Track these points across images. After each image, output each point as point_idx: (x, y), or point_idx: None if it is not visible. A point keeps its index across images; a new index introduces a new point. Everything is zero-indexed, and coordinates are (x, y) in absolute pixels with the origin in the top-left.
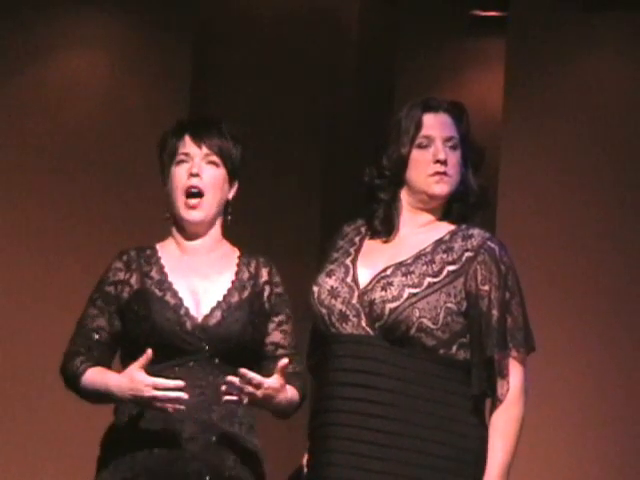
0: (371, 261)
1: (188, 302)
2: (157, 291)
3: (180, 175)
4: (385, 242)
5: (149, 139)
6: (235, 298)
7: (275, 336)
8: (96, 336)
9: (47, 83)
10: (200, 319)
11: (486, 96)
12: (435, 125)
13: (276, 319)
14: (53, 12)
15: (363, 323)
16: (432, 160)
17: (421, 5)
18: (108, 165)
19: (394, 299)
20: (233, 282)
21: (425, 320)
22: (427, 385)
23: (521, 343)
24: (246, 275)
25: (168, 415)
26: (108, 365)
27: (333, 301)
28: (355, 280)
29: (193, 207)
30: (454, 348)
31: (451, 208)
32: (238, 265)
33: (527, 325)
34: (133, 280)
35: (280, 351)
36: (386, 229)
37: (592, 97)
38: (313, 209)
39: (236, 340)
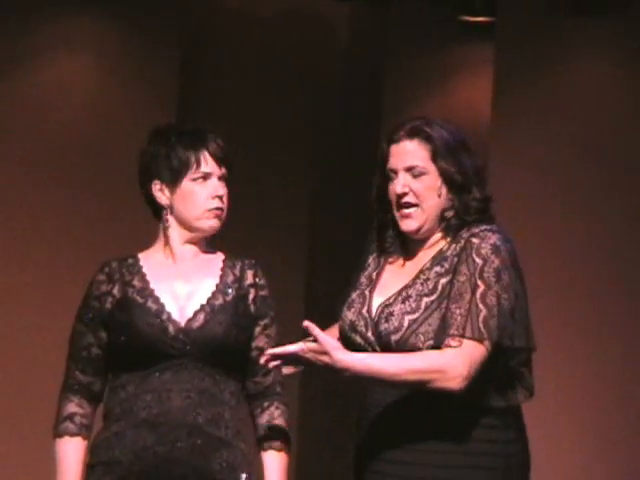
0: (386, 289)
1: (170, 307)
2: (139, 298)
3: (201, 195)
4: (402, 266)
5: (136, 142)
6: (219, 301)
7: (260, 340)
8: (85, 354)
9: (34, 87)
10: (183, 323)
11: (475, 101)
12: (396, 157)
13: (261, 322)
14: (39, 16)
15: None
16: (395, 193)
17: (410, 11)
18: (95, 168)
19: (396, 330)
20: (217, 285)
21: (431, 342)
22: (445, 405)
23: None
24: (231, 278)
25: (154, 419)
26: (104, 377)
27: (354, 335)
28: (369, 311)
29: (217, 216)
30: None
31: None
32: (222, 269)
33: (502, 317)
34: (115, 290)
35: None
36: (395, 249)
37: (581, 101)
38: (299, 210)
39: (220, 342)
